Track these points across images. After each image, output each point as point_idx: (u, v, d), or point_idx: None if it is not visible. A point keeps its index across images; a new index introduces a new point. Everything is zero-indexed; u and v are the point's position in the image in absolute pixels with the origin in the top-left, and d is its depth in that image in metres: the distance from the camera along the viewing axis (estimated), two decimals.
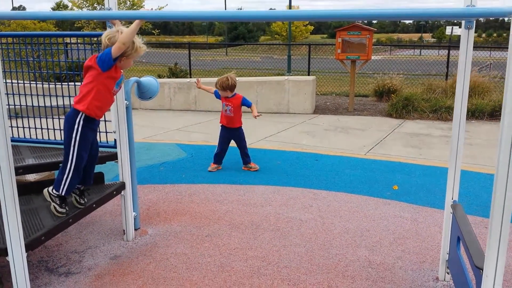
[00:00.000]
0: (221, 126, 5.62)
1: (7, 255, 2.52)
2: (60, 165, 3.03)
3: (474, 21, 2.71)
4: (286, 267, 3.23)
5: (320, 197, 4.59)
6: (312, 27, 56.27)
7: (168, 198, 4.56)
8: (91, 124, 2.96)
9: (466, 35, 2.67)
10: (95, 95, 2.88)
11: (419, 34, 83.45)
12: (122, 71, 3.03)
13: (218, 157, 5.62)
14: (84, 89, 2.90)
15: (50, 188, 2.98)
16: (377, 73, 15.07)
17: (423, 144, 6.87)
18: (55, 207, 2.96)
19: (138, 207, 3.86)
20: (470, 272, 2.56)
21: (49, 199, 2.99)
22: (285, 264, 3.26)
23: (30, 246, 2.59)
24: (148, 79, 3.89)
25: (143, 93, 3.89)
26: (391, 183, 5.00)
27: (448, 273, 3.01)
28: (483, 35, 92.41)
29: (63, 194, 2.92)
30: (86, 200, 3.17)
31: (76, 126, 2.89)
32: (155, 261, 3.30)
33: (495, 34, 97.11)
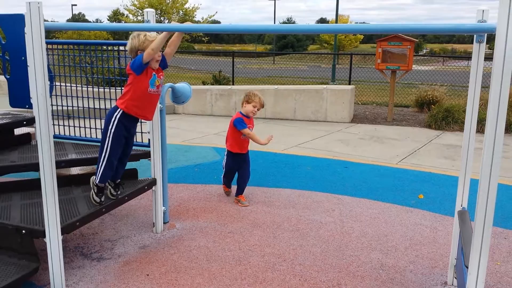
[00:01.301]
0: (233, 154, 4.75)
1: (44, 236, 2.85)
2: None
3: (485, 35, 2.82)
4: (300, 264, 3.40)
5: (344, 202, 4.73)
6: (362, 36, 55.76)
7: (198, 196, 4.84)
8: (127, 121, 3.27)
9: (478, 49, 2.78)
10: (132, 95, 3.22)
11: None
12: (159, 72, 3.29)
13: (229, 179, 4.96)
14: (124, 90, 3.28)
15: (93, 177, 3.35)
16: (423, 83, 14.88)
17: (458, 155, 6.82)
18: (92, 195, 3.32)
19: (168, 203, 4.15)
20: None
21: (91, 186, 3.36)
22: (300, 262, 3.44)
23: (65, 229, 2.92)
24: (181, 85, 4.19)
25: (177, 97, 4.19)
26: (417, 192, 5.05)
27: (455, 278, 3.09)
28: None
29: (97, 182, 3.27)
30: (119, 192, 3.49)
31: (113, 120, 3.23)
32: (179, 252, 3.57)
33: None
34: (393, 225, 4.16)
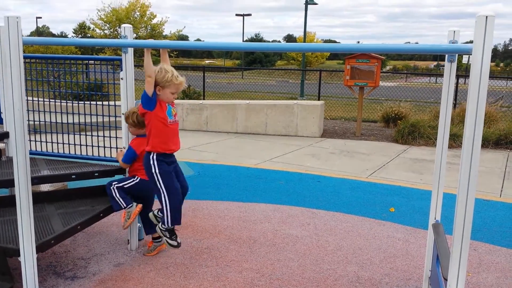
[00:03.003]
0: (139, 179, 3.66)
1: (19, 255, 2.76)
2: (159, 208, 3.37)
3: (456, 55, 2.95)
4: (278, 279, 3.41)
5: (318, 216, 4.78)
6: (328, 53, 56.87)
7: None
8: (163, 158, 3.25)
9: (449, 68, 2.91)
10: (154, 133, 3.20)
11: (436, 62, 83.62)
12: (171, 104, 3.25)
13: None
14: (146, 131, 3.26)
15: (160, 224, 3.36)
16: (388, 99, 15.29)
17: (425, 169, 7.03)
18: (167, 241, 3.36)
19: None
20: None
21: (161, 234, 3.39)
22: (278, 277, 3.45)
23: (40, 248, 2.84)
24: None
25: None
26: (388, 205, 5.17)
27: None
28: (501, 64, 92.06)
29: (169, 225, 3.29)
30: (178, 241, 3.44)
31: (151, 163, 3.22)
32: (155, 269, 3.52)
33: None
34: (367, 238, 4.23)
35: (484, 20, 1.97)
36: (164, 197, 3.24)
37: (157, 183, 3.23)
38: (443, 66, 3.08)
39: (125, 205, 3.53)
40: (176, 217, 3.30)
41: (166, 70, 3.12)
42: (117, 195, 3.54)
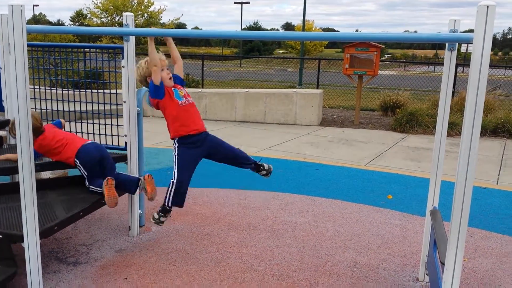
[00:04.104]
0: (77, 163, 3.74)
1: (23, 241, 2.81)
2: None
3: (456, 44, 2.98)
4: (278, 264, 3.47)
5: (317, 203, 4.84)
6: (327, 42, 56.65)
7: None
8: (187, 139, 3.28)
9: (449, 56, 2.94)
10: (172, 119, 3.27)
11: (434, 51, 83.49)
12: (176, 87, 3.32)
13: None
14: (166, 122, 3.32)
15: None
16: (386, 88, 15.30)
17: (423, 157, 7.08)
18: (154, 214, 3.41)
19: (144, 206, 4.14)
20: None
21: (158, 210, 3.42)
22: (277, 262, 3.51)
23: (43, 234, 2.88)
24: None
25: None
26: (386, 193, 5.23)
27: (427, 274, 3.23)
28: (499, 53, 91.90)
29: (168, 205, 3.33)
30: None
31: (174, 147, 3.31)
32: (156, 255, 3.57)
33: (511, 53, 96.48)
34: (365, 225, 4.29)
35: (485, 9, 1.99)
36: (173, 176, 3.29)
37: (173, 164, 3.29)
38: (442, 55, 3.12)
39: (100, 189, 3.50)
40: (176, 200, 3.32)
41: (139, 63, 3.28)
42: (94, 187, 3.55)
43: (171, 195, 3.30)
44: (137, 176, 3.83)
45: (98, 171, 3.61)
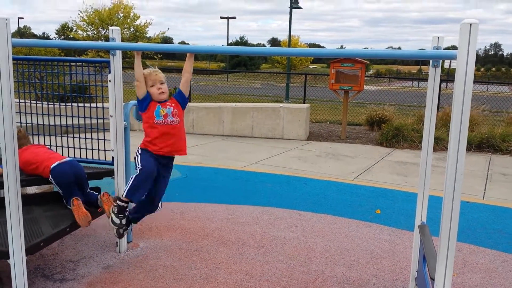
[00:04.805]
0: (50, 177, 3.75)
1: (8, 258, 2.74)
2: None
3: (440, 61, 3.03)
4: (268, 280, 3.44)
5: (306, 218, 4.83)
6: (312, 57, 57.20)
7: (161, 214, 4.78)
8: (150, 155, 3.26)
9: (434, 73, 2.98)
10: (145, 132, 3.29)
11: (418, 67, 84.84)
12: (168, 105, 3.26)
13: None
14: None
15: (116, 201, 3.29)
16: (372, 103, 15.46)
17: (409, 172, 7.14)
18: (112, 216, 3.28)
19: None
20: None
21: (111, 208, 3.33)
22: (267, 278, 3.48)
23: (29, 250, 2.83)
24: None
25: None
26: (374, 208, 5.24)
27: None
28: (482, 69, 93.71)
29: (124, 196, 3.19)
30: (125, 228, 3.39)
31: (136, 152, 3.29)
32: (144, 272, 3.52)
33: (493, 69, 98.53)
34: (354, 240, 4.29)
35: (469, 27, 2.03)
36: (136, 173, 3.19)
37: (135, 161, 3.22)
38: (426, 71, 3.16)
39: (69, 201, 3.46)
40: (134, 193, 3.17)
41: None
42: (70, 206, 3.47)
43: (129, 185, 3.17)
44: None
45: (75, 189, 3.56)
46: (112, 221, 3.27)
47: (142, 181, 3.18)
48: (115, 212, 3.25)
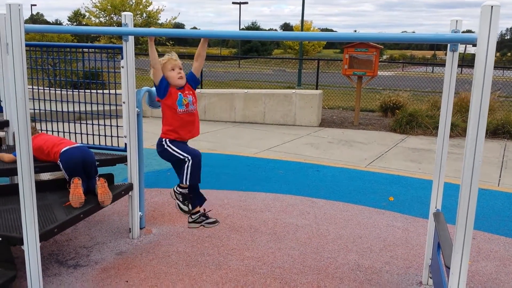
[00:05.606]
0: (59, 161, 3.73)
1: (22, 244, 2.77)
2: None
3: (458, 45, 2.95)
4: (280, 267, 3.44)
5: (318, 205, 4.81)
6: (325, 42, 56.64)
7: (173, 201, 4.78)
8: (180, 142, 3.25)
9: (451, 57, 2.91)
10: (165, 121, 3.24)
11: (432, 52, 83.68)
12: (186, 91, 3.23)
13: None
14: (162, 118, 3.28)
15: (175, 187, 3.32)
16: (386, 88, 15.29)
17: (423, 158, 7.06)
18: (178, 205, 3.33)
19: (144, 208, 4.11)
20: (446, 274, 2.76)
21: (173, 197, 3.36)
22: (279, 265, 3.48)
23: (43, 236, 2.85)
24: None
25: (154, 101, 4.16)
26: (387, 195, 5.20)
27: (430, 277, 3.20)
28: (497, 54, 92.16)
29: (187, 183, 3.21)
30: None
31: (164, 144, 3.24)
32: (157, 258, 3.54)
33: (509, 54, 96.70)
34: (367, 227, 4.26)
35: (490, 9, 1.96)
36: (185, 160, 3.18)
37: (174, 153, 3.20)
38: (440, 56, 3.09)
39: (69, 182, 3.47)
40: (193, 177, 3.20)
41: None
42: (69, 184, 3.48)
43: (188, 172, 3.18)
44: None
45: (81, 174, 3.55)
46: (181, 210, 3.33)
47: (197, 164, 3.21)
48: (181, 200, 3.30)
